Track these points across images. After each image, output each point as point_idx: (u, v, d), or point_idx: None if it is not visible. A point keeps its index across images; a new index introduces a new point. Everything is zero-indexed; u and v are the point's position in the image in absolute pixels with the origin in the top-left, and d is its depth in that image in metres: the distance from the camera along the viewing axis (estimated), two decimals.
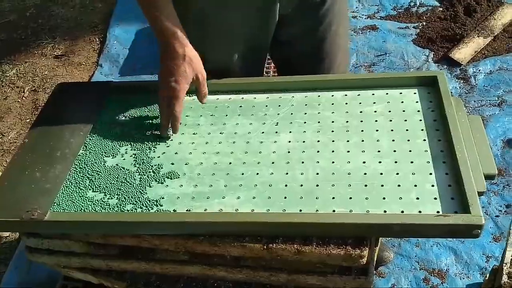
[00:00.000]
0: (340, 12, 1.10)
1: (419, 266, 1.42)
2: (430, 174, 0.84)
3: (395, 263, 1.43)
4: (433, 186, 0.82)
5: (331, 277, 0.80)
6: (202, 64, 0.96)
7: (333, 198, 0.83)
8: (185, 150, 0.95)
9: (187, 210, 0.83)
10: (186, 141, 0.97)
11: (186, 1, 0.99)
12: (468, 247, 1.44)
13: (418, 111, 0.97)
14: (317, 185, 0.85)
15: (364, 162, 0.88)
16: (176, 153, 0.95)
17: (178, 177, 0.89)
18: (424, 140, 0.91)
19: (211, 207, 0.83)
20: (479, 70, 2.02)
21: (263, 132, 0.97)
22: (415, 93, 1.01)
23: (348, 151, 0.90)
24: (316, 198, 0.83)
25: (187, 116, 1.03)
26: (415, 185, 0.83)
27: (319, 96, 1.03)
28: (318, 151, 0.91)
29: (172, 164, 0.92)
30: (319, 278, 0.81)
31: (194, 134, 0.98)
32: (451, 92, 1.91)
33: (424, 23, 2.28)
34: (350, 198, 0.82)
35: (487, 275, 1.19)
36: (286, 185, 0.86)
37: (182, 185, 0.88)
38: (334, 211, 0.80)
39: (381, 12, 2.39)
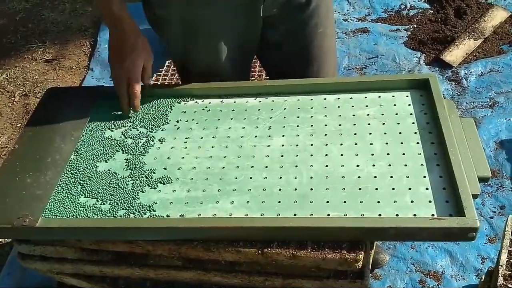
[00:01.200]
0: (327, 14, 1.11)
1: (415, 268, 1.42)
2: (424, 177, 0.84)
3: (391, 265, 1.43)
4: (427, 189, 0.82)
5: (327, 281, 0.80)
6: (149, 46, 1.03)
7: (328, 202, 0.82)
8: (177, 155, 0.94)
9: (180, 215, 0.82)
10: (179, 145, 0.96)
11: (169, 2, 0.99)
12: (463, 249, 1.44)
13: (411, 114, 0.97)
14: (311, 189, 0.85)
15: (358, 166, 0.88)
16: (168, 157, 0.94)
17: (171, 182, 0.89)
18: (418, 143, 0.91)
19: (205, 212, 0.83)
20: (471, 72, 2.04)
21: (256, 136, 0.96)
22: (407, 96, 1.01)
23: (342, 155, 0.90)
24: (311, 202, 0.82)
25: (179, 120, 1.02)
26: (409, 188, 0.83)
27: (311, 99, 1.03)
28: (311, 155, 0.91)
29: (165, 169, 0.92)
30: (315, 282, 0.81)
31: (186, 138, 0.98)
32: (443, 94, 1.94)
33: (415, 26, 2.30)
34: (345, 202, 0.82)
35: (483, 277, 1.19)
36: (280, 189, 0.85)
37: (175, 190, 0.87)
38: (328, 215, 0.80)
39: (372, 15, 2.40)
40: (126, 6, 0.98)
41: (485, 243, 1.45)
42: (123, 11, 0.97)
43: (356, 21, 2.36)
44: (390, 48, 2.18)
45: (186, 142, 0.97)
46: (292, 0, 1.05)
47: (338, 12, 2.41)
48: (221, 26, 1.03)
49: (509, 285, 0.94)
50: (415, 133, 0.93)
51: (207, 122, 1.01)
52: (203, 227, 0.79)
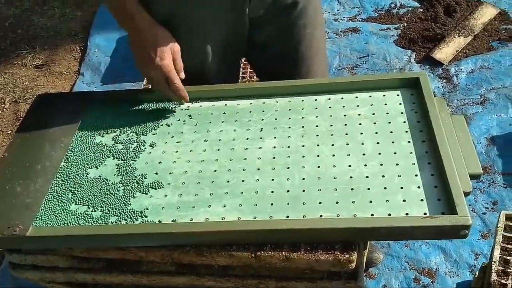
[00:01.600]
0: (315, 16, 1.10)
1: (409, 266, 1.43)
2: (416, 175, 0.84)
3: (385, 264, 1.44)
4: (419, 187, 0.82)
5: (321, 282, 0.80)
6: (170, 35, 0.96)
7: (320, 203, 0.82)
8: (169, 159, 0.94)
9: (172, 221, 0.82)
10: (170, 150, 0.96)
11: (153, 3, 0.98)
12: (457, 246, 1.45)
13: (402, 112, 0.97)
14: (304, 191, 0.84)
15: (349, 166, 0.88)
16: (159, 162, 0.93)
17: (163, 187, 0.88)
18: (409, 141, 0.91)
19: (197, 217, 0.82)
20: (461, 69, 2.05)
21: (247, 139, 0.96)
22: (398, 95, 1.01)
23: (333, 155, 0.90)
24: (303, 204, 0.82)
25: (170, 124, 1.01)
26: (401, 187, 0.83)
27: (302, 100, 1.03)
28: (303, 156, 0.91)
29: (156, 173, 0.91)
30: (308, 284, 0.80)
31: (177, 142, 0.97)
32: (434, 92, 1.95)
33: (405, 24, 2.31)
34: (337, 202, 0.82)
35: (477, 273, 1.19)
36: (272, 192, 0.85)
37: (166, 195, 0.87)
38: (321, 216, 0.80)
39: (362, 14, 2.41)
40: (138, 3, 0.93)
41: (478, 239, 1.46)
42: (135, 6, 0.93)
43: (347, 21, 2.37)
44: (380, 47, 2.19)
45: (177, 146, 0.96)
46: (278, 1, 1.04)
47: (329, 12, 2.42)
48: (205, 27, 1.03)
49: (503, 281, 0.95)
50: (406, 132, 0.93)
51: (198, 126, 1.00)
52: (196, 231, 0.78)
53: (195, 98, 1.06)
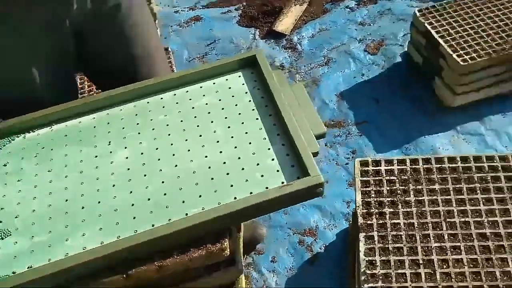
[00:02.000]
0: (142, 13, 1.08)
1: (292, 232, 1.49)
2: (269, 149, 0.87)
3: (270, 236, 1.48)
4: (273, 160, 0.86)
5: (202, 279, 0.79)
6: None
7: (184, 201, 0.81)
8: (12, 202, 0.84)
9: (28, 267, 0.74)
10: (11, 191, 0.86)
11: None
12: (329, 200, 1.55)
13: (246, 92, 0.99)
14: (165, 194, 0.82)
15: (206, 157, 0.88)
16: (1, 208, 0.83)
17: (10, 235, 0.79)
18: (257, 119, 0.93)
19: (56, 255, 0.75)
20: (303, 36, 2.18)
21: (96, 156, 0.90)
22: (240, 76, 1.03)
23: (189, 150, 0.89)
24: (167, 207, 0.80)
25: (6, 163, 0.91)
26: (257, 164, 0.85)
27: (148, 102, 1.00)
28: (159, 159, 0.88)
29: (0, 222, 0.81)
30: (190, 284, 0.79)
31: (18, 181, 0.88)
32: (283, 63, 2.04)
33: (244, 3, 2.37)
34: (200, 196, 0.81)
35: (351, 220, 1.29)
36: (132, 205, 0.81)
37: (16, 242, 0.78)
38: (186, 214, 0.79)
39: (202, 2, 2.42)
40: None
41: (347, 188, 1.58)
42: None
43: (188, 11, 2.36)
44: (225, 30, 2.23)
45: (19, 185, 0.87)
46: (99, 8, 0.99)
47: (168, 6, 2.39)
48: (23, 47, 0.94)
49: (368, 222, 1.04)
50: (253, 110, 0.95)
51: (38, 157, 0.91)
52: (55, 272, 0.72)
53: (30, 128, 0.97)
